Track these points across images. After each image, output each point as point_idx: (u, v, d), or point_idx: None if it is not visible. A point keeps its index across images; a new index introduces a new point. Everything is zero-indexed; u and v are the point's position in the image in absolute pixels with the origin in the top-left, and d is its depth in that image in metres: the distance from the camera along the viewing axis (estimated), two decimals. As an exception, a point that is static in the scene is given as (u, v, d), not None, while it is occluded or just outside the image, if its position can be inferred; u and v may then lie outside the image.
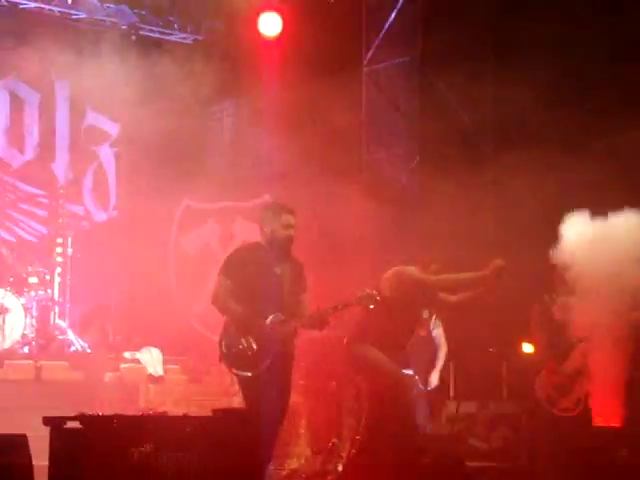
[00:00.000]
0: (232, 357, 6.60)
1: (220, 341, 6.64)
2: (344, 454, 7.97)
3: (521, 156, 9.37)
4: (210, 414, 6.38)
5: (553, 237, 7.58)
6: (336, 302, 6.73)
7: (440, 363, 9.91)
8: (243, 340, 6.51)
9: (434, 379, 9.83)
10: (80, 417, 5.69)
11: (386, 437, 7.02)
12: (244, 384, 6.69)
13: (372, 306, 6.71)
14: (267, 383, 6.52)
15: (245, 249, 6.89)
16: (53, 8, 10.96)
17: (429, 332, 9.86)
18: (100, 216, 11.53)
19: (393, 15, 11.56)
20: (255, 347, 6.48)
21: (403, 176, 11.57)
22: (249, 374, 6.59)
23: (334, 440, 8.54)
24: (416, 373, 9.38)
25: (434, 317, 9.94)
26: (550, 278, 8.10)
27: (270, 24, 10.98)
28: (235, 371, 6.77)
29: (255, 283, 6.56)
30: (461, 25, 10.78)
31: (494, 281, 7.09)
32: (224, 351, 6.62)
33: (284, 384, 6.68)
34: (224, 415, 6.35)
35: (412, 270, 7.45)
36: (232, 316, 6.58)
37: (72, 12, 11.00)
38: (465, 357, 10.27)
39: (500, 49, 10.78)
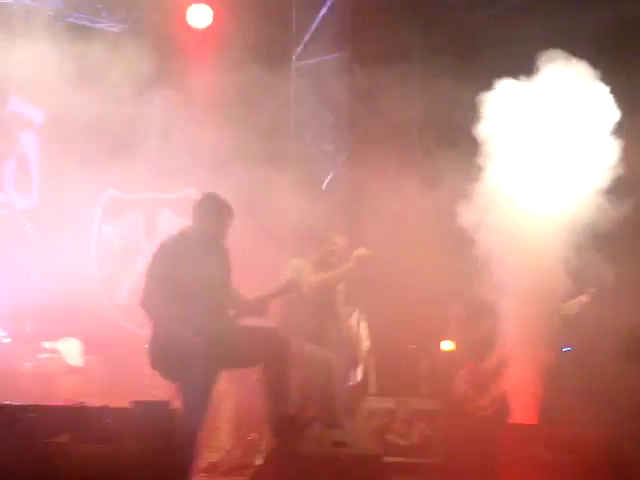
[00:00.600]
0: (161, 364, 6.56)
1: (149, 347, 6.58)
2: (264, 447, 7.99)
3: (449, 155, 9.48)
4: (129, 406, 6.36)
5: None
6: (273, 289, 6.76)
7: (362, 358, 9.96)
8: (171, 348, 6.46)
9: (357, 374, 9.88)
10: (-6, 407, 5.63)
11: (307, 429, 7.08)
12: (180, 391, 6.63)
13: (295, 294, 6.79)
14: (200, 389, 6.52)
15: (172, 243, 6.75)
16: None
17: (350, 328, 9.91)
18: (22, 203, 11.34)
19: (324, 10, 11.60)
20: (182, 355, 6.43)
21: (331, 172, 11.63)
22: (179, 382, 6.56)
23: (254, 433, 8.56)
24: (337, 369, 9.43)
25: (356, 312, 10.00)
26: (470, 276, 8.23)
27: (199, 16, 10.96)
28: (166, 379, 6.75)
29: (183, 278, 6.50)
30: (392, 23, 10.86)
31: (359, 271, 7.08)
32: (154, 358, 6.57)
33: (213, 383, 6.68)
34: (143, 407, 6.33)
35: (297, 267, 7.54)
36: (160, 321, 6.52)
37: (-3, -4, 10.82)
38: (385, 353, 10.35)
39: (429, 47, 10.89)
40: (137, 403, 6.33)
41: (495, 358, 8.00)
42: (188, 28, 11.02)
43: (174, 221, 11.71)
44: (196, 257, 6.59)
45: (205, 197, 6.92)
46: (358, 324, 9.94)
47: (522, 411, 7.55)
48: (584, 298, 8.15)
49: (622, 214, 7.46)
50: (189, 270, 6.52)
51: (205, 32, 11.03)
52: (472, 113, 7.86)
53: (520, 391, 7.55)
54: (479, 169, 7.74)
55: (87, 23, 11.09)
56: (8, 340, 9.89)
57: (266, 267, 8.55)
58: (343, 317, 8.03)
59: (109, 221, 11.63)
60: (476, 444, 7.59)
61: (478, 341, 8.12)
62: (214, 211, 6.72)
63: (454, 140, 9.30)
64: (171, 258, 6.56)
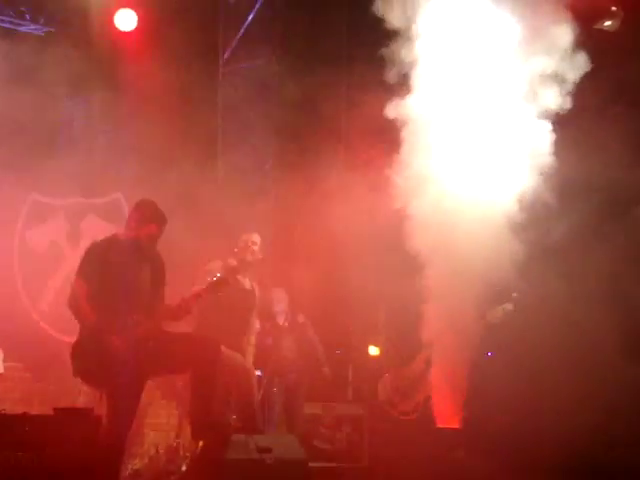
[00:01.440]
0: (84, 371, 6.47)
1: (73, 353, 6.50)
2: (189, 454, 7.96)
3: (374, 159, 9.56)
4: (52, 413, 6.29)
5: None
6: (197, 290, 6.73)
7: (323, 358, 9.87)
8: (94, 355, 6.39)
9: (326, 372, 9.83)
10: None
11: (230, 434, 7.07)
12: (106, 397, 6.51)
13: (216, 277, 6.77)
14: (122, 397, 6.43)
15: (101, 247, 6.72)
16: None
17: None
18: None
19: (251, 16, 11.62)
20: (103, 364, 6.36)
21: (258, 177, 11.65)
22: (101, 390, 6.49)
23: (178, 440, 8.52)
24: (280, 376, 9.42)
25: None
26: (397, 281, 8.32)
27: (125, 19, 10.90)
28: (88, 386, 6.68)
29: (113, 283, 6.47)
30: (318, 29, 10.92)
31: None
32: (77, 364, 6.47)
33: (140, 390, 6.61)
34: (66, 414, 6.27)
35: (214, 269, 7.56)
36: (85, 326, 6.45)
37: None
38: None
39: (354, 53, 10.96)
40: (59, 410, 6.26)
41: (419, 364, 8.07)
42: (115, 31, 10.94)
43: (99, 226, 11.61)
44: (126, 262, 6.57)
45: (140, 203, 6.90)
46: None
47: (445, 415, 7.62)
48: (508, 306, 8.27)
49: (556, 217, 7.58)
50: (118, 274, 6.49)
51: (131, 35, 10.97)
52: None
53: (443, 395, 7.63)
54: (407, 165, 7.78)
55: (10, 26, 10.94)
56: None
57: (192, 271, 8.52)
58: (255, 327, 8.05)
59: (32, 225, 11.46)
60: (400, 448, 7.65)
61: (401, 347, 8.18)
62: (148, 218, 6.70)
63: (382, 145, 9.37)
64: (101, 260, 6.52)
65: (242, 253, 7.88)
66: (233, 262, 7.80)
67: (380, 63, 7.97)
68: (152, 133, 10.77)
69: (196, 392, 6.66)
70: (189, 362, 6.60)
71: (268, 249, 8.85)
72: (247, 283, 7.86)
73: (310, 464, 7.33)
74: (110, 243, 6.75)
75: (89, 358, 6.42)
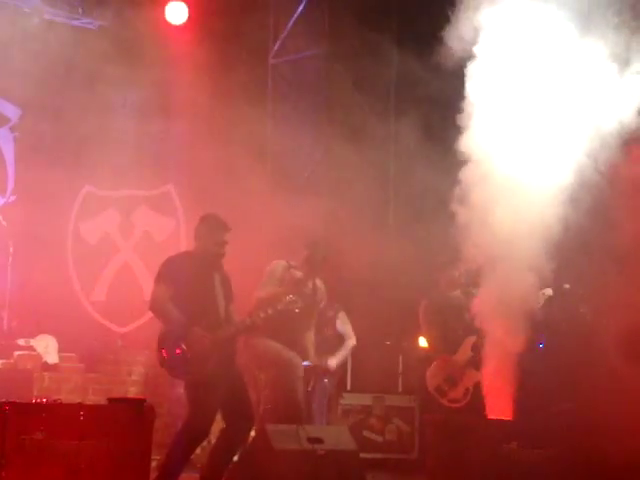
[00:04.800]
0: (172, 363, 6.67)
1: (159, 347, 6.68)
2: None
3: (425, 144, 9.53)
4: (105, 403, 6.37)
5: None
6: (266, 307, 6.88)
7: (343, 352, 9.94)
8: (183, 346, 6.61)
9: (332, 363, 9.89)
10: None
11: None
12: (189, 388, 6.76)
13: (297, 310, 6.96)
14: (210, 387, 6.63)
15: (179, 258, 7.05)
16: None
17: (335, 329, 9.93)
18: (-3, 201, 11.31)
19: (300, 7, 11.62)
20: (192, 353, 6.59)
21: (308, 167, 11.66)
22: (190, 379, 6.67)
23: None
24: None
25: (341, 314, 10.01)
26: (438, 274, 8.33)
27: (176, 13, 10.98)
28: (176, 376, 6.90)
29: (191, 291, 6.74)
30: (368, 18, 10.89)
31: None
32: (164, 356, 6.67)
33: (233, 385, 6.81)
34: (119, 404, 6.35)
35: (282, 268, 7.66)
36: (170, 322, 6.67)
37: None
38: (362, 350, 10.37)
39: (404, 41, 10.91)
40: (113, 400, 6.35)
41: (466, 351, 8.07)
42: (166, 24, 11.01)
43: (151, 218, 11.71)
44: (200, 275, 6.85)
45: (205, 217, 7.10)
46: (344, 325, 9.97)
47: (497, 406, 7.59)
48: (548, 291, 8.24)
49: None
50: (194, 286, 6.78)
51: (182, 28, 11.04)
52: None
53: (494, 386, 7.60)
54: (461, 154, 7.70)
55: (65, 20, 11.05)
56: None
57: (246, 265, 8.55)
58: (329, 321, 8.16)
59: (86, 217, 11.59)
60: (451, 440, 7.63)
61: (447, 335, 8.20)
62: (214, 228, 6.90)
63: (431, 132, 9.35)
64: (177, 271, 6.81)
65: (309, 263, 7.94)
66: (297, 273, 7.87)
67: (430, 51, 7.90)
68: (202, 125, 10.83)
69: (218, 452, 6.89)
70: (234, 415, 6.81)
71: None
72: (311, 283, 7.90)
73: (361, 455, 7.34)
74: (184, 257, 7.09)
75: (174, 349, 6.60)
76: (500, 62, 7.68)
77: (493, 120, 7.69)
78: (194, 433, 6.76)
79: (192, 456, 7.06)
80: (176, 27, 11.05)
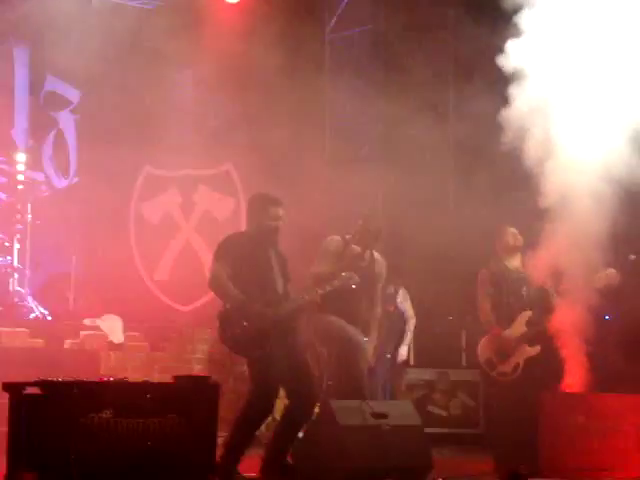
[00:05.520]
0: (233, 340, 6.72)
1: (220, 325, 6.75)
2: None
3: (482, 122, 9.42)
4: (171, 381, 6.41)
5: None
6: (323, 284, 6.92)
7: (409, 336, 9.96)
8: (244, 323, 6.65)
9: (403, 352, 9.90)
10: (40, 383, 5.69)
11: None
12: (251, 365, 6.81)
13: (354, 286, 6.94)
14: (272, 363, 6.68)
15: (236, 236, 7.07)
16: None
17: (396, 306, 9.92)
18: (60, 183, 11.44)
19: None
20: (253, 330, 6.62)
21: (367, 143, 11.63)
22: (252, 355, 6.73)
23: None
24: (385, 346, 9.45)
25: (401, 290, 9.99)
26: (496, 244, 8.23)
27: (233, -10, 10.99)
28: (238, 353, 6.97)
29: (249, 269, 6.76)
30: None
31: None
32: (227, 334, 6.72)
33: (296, 362, 6.83)
34: (185, 382, 6.39)
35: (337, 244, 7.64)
36: (231, 300, 6.71)
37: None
38: (425, 325, 10.36)
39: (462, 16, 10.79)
40: (179, 377, 6.38)
41: (519, 326, 8.00)
42: (222, 2, 11.02)
43: (211, 197, 11.77)
44: (257, 254, 6.85)
45: (253, 197, 7.10)
46: (404, 302, 9.96)
47: (568, 379, 7.55)
48: (611, 271, 8.12)
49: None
50: (251, 265, 6.79)
51: (238, 6, 11.03)
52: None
53: (568, 359, 7.55)
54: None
55: (119, 1, 11.10)
56: (50, 318, 10.01)
57: (298, 242, 8.56)
58: (379, 299, 8.11)
59: (147, 197, 11.69)
60: (516, 414, 7.58)
61: (501, 308, 8.11)
62: (264, 208, 6.92)
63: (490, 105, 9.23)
64: (235, 250, 6.82)
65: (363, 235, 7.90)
66: (355, 248, 7.83)
67: (490, 24, 7.81)
68: (260, 103, 10.84)
69: (283, 428, 6.91)
70: (297, 392, 6.83)
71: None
72: (367, 255, 7.85)
73: (426, 430, 7.32)
74: (240, 236, 7.11)
75: (235, 326, 6.65)
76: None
77: (551, 91, 7.57)
78: (257, 410, 6.78)
79: (257, 433, 7.08)
80: (232, 5, 11.05)
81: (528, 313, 7.96)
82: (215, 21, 10.75)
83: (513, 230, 8.12)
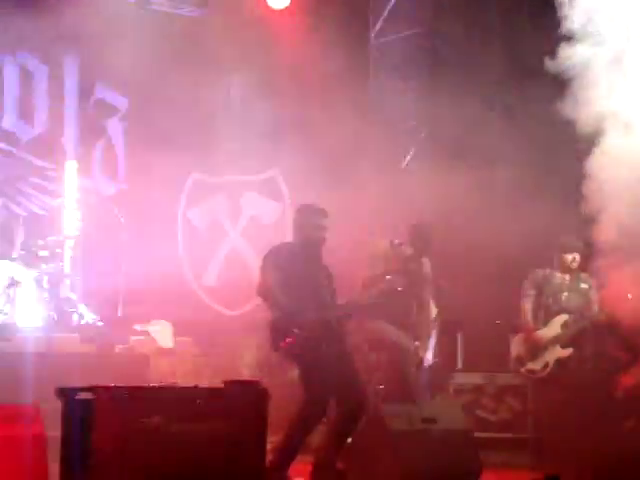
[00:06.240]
0: (285, 347, 6.79)
1: (271, 332, 6.82)
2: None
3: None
4: (221, 386, 6.45)
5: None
6: (370, 288, 6.98)
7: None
8: (294, 330, 6.72)
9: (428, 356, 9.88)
10: (92, 388, 5.76)
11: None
12: (302, 371, 6.88)
13: (400, 289, 6.97)
14: (323, 369, 6.74)
15: (283, 246, 7.17)
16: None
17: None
18: (109, 189, 11.56)
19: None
20: (304, 337, 6.70)
21: (412, 148, 11.60)
22: (303, 362, 6.81)
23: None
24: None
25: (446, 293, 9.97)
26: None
27: (278, -3, 11.03)
28: (289, 360, 7.03)
29: (297, 277, 6.84)
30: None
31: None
32: (277, 342, 6.80)
33: (345, 367, 6.89)
34: (235, 387, 6.42)
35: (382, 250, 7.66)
36: (280, 308, 6.76)
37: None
38: (473, 329, 10.31)
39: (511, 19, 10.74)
40: (229, 382, 6.42)
41: (555, 327, 8.09)
42: (267, 9, 11.07)
43: (258, 203, 11.83)
44: (304, 263, 6.94)
45: (300, 207, 7.16)
46: None
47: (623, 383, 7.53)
48: None
49: None
50: (297, 270, 6.86)
51: (285, 12, 11.07)
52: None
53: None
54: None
55: (168, 9, 11.20)
56: (101, 324, 10.11)
57: (346, 247, 8.57)
58: (429, 303, 8.12)
59: (194, 204, 11.77)
60: (566, 417, 7.56)
61: (539, 310, 8.22)
62: (310, 218, 6.97)
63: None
64: (283, 259, 6.90)
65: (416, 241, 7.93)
66: (406, 250, 7.84)
67: (540, 25, 7.74)
68: (307, 108, 10.86)
69: (333, 434, 6.94)
70: (347, 397, 6.86)
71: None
72: (417, 260, 7.87)
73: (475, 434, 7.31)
74: (287, 246, 7.18)
75: (286, 334, 6.73)
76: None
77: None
78: (309, 416, 6.81)
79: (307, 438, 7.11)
80: (278, 11, 11.09)
81: (564, 317, 8.07)
82: (262, 27, 10.81)
83: (573, 256, 8.21)
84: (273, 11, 11.09)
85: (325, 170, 10.59)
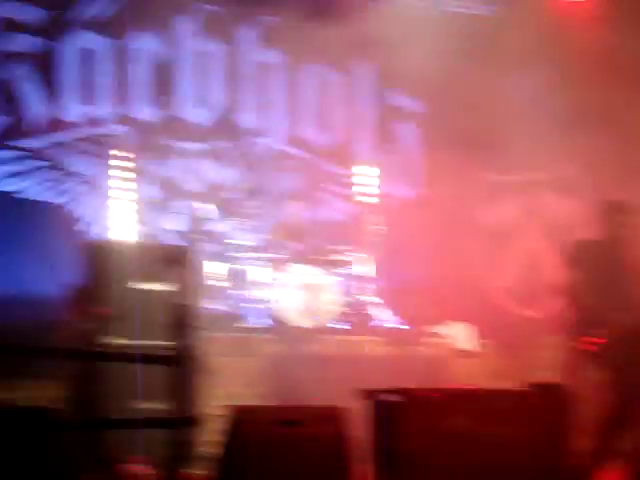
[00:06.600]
0: (592, 349, 6.69)
1: (574, 331, 6.79)
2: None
3: None
4: (523, 388, 6.35)
5: None
6: None
7: None
8: (600, 330, 6.65)
9: None
10: (398, 390, 5.83)
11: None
12: (610, 374, 6.83)
13: None
14: (631, 371, 6.71)
15: (587, 243, 7.09)
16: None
17: None
18: (406, 193, 11.70)
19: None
20: (611, 339, 6.64)
21: None
22: (611, 364, 6.75)
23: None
24: None
25: None
26: None
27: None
28: (596, 362, 6.96)
29: (601, 276, 6.77)
30: None
31: None
32: (584, 343, 6.70)
33: None
34: (541, 389, 6.29)
35: None
36: (585, 308, 6.67)
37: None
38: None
39: None
40: (533, 385, 6.31)
41: None
42: (563, 1, 10.81)
43: (553, 201, 11.56)
44: (607, 259, 6.83)
45: (601, 205, 7.05)
46: None
47: None
48: None
49: None
50: (599, 269, 6.78)
51: (582, 2, 10.77)
52: None
53: None
54: None
55: (462, 10, 11.19)
56: (402, 326, 10.24)
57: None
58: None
59: (488, 204, 11.68)
60: None
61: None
62: (610, 215, 6.79)
63: None
64: (585, 260, 6.84)
65: None
66: None
67: None
68: (604, 102, 10.48)
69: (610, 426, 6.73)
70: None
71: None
72: None
73: None
74: (590, 242, 7.09)
75: (593, 336, 6.71)
76: None
77: None
78: (617, 419, 6.60)
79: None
80: (575, 3, 10.79)
81: None
82: (556, 21, 10.55)
83: None
84: (570, 2, 10.79)
85: (618, 169, 10.18)
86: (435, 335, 10.03)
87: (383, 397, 5.83)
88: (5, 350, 5.70)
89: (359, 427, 5.88)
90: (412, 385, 6.12)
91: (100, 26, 10.72)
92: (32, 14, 10.38)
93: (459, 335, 10.05)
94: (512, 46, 10.20)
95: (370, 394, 5.91)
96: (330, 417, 5.77)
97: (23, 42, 10.38)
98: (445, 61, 10.32)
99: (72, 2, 10.63)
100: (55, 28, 10.49)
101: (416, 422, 5.76)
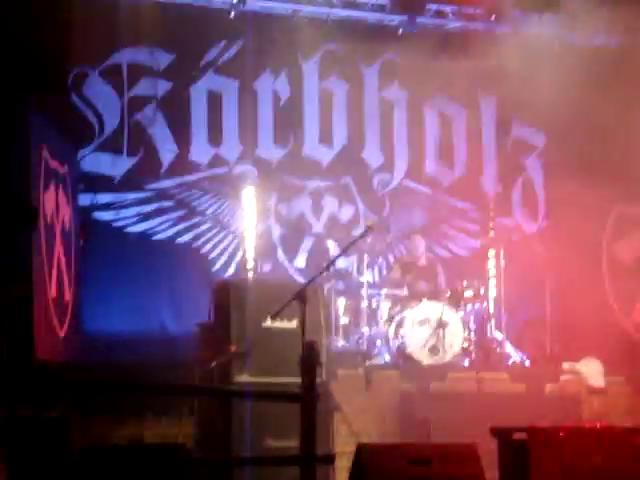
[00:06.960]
0: None
1: None
2: None
3: None
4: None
5: None
6: None
7: None
8: None
9: None
10: (527, 428, 5.74)
11: None
12: None
13: None
14: None
15: None
16: (478, 25, 11.23)
17: None
18: (530, 227, 11.57)
19: None
20: None
21: None
22: None
23: None
24: None
25: None
26: None
27: None
28: None
29: None
30: None
31: None
32: None
33: None
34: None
35: None
36: None
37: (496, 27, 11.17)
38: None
39: None
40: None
41: None
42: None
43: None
44: None
45: None
46: None
47: None
48: None
49: None
50: None
51: None
52: None
53: None
54: None
55: (586, 42, 11.06)
56: (529, 363, 10.08)
57: None
58: None
59: (619, 237, 11.46)
60: None
61: None
62: None
63: None
64: None
65: None
66: None
67: None
68: None
69: None
70: None
71: None
72: None
73: None
74: None
75: None
76: None
77: None
78: None
79: None
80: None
81: None
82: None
83: None
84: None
85: None
86: (566, 372, 9.83)
87: (511, 435, 5.75)
88: (139, 388, 5.83)
89: (489, 465, 5.81)
90: (544, 423, 6.03)
91: (226, 68, 10.94)
92: (161, 59, 10.66)
93: (591, 372, 9.82)
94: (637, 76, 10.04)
95: (499, 432, 5.83)
96: (461, 455, 5.69)
97: (152, 86, 10.66)
98: (570, 92, 10.20)
99: (200, 46, 10.88)
100: (183, 71, 10.76)
101: (549, 460, 5.65)
